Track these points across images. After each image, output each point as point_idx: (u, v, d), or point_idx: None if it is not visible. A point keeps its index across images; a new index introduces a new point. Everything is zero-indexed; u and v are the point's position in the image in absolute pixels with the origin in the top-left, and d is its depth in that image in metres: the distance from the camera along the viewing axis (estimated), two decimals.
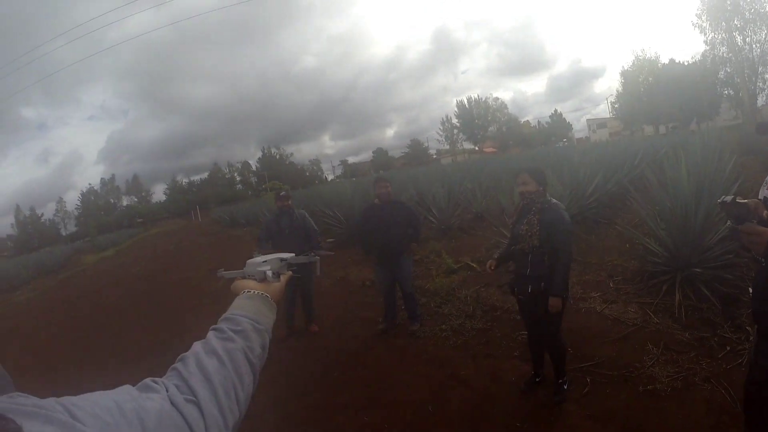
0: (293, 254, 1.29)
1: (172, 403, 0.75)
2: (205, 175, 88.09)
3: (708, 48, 44.02)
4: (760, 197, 2.12)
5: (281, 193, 6.24)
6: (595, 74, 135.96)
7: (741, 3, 40.32)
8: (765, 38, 40.21)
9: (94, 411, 0.63)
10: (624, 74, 55.18)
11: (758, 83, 41.50)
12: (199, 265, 14.29)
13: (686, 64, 47.78)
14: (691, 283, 4.84)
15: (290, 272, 1.25)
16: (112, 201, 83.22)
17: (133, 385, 0.78)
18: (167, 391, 0.78)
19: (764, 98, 42.41)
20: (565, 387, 3.73)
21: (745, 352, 3.70)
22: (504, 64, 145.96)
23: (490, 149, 69.93)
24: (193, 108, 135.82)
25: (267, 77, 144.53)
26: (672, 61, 50.03)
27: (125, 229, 54.51)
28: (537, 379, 3.92)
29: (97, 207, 79.29)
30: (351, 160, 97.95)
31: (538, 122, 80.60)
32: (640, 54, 54.02)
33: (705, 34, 43.37)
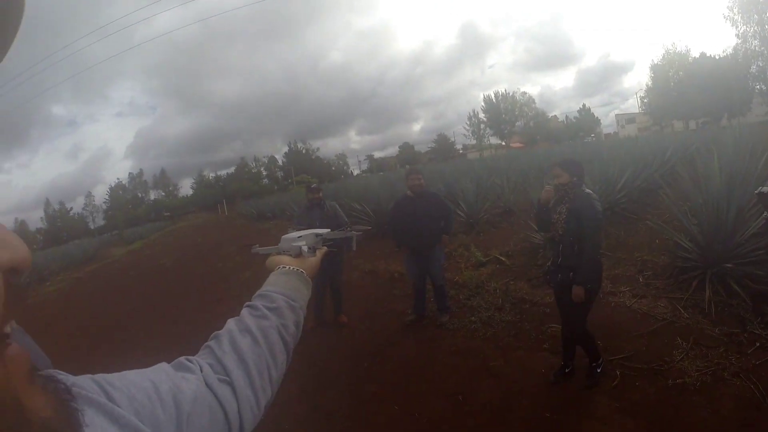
0: (329, 230, 1.27)
1: (206, 384, 0.75)
2: (232, 169, 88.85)
3: (740, 41, 43.01)
4: None
5: (312, 186, 6.28)
6: (624, 68, 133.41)
7: None
8: None
9: (130, 392, 0.63)
10: (654, 68, 54.26)
11: None
12: (227, 258, 14.45)
13: (717, 57, 46.75)
14: (722, 279, 4.81)
15: (325, 248, 1.22)
16: (139, 195, 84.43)
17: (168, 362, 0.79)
18: (201, 370, 0.78)
19: None
20: (599, 371, 3.80)
21: None
22: (532, 59, 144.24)
23: (517, 144, 69.33)
24: (220, 103, 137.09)
25: (294, 72, 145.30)
26: (703, 54, 49.03)
27: (152, 223, 55.38)
28: (566, 370, 3.96)
29: (125, 201, 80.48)
30: (377, 155, 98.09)
31: (566, 117, 79.44)
32: (671, 48, 53.07)
33: (737, 27, 42.35)
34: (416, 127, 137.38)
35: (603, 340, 4.22)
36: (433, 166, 23.99)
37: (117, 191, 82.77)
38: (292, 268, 1.08)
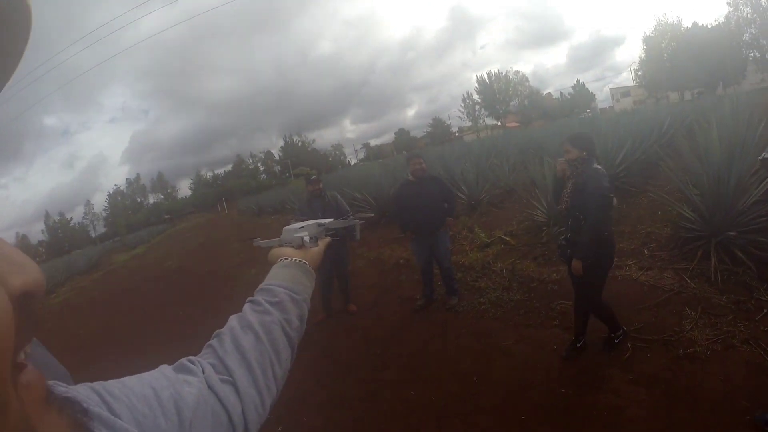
0: (331, 219, 1.24)
1: (209, 385, 0.74)
2: (229, 167, 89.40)
3: (731, 9, 42.92)
4: None
5: (312, 177, 6.19)
6: (616, 42, 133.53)
7: None
8: None
9: (130, 401, 0.61)
10: (646, 40, 54.09)
11: None
12: (231, 255, 14.49)
13: (710, 27, 46.58)
14: (726, 248, 4.84)
15: (328, 238, 1.20)
16: (138, 200, 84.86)
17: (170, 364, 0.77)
18: (203, 371, 0.76)
19: None
20: (616, 342, 3.86)
21: None
22: (523, 37, 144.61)
23: (513, 124, 69.14)
24: (213, 102, 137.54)
25: (284, 66, 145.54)
26: (695, 24, 48.86)
27: (153, 226, 55.49)
28: (578, 345, 4.01)
29: (125, 207, 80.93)
30: (373, 142, 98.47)
31: (561, 94, 79.33)
32: (662, 19, 52.86)
33: None
34: (411, 112, 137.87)
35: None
36: (431, 150, 23.92)
37: (116, 197, 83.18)
38: (294, 259, 1.06)
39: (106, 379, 0.64)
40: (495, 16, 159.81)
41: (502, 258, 6.89)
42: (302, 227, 1.14)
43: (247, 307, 0.93)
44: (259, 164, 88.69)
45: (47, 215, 79.54)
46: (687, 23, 51.39)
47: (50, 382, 0.53)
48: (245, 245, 15.23)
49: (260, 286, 0.98)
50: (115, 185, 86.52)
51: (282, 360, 0.87)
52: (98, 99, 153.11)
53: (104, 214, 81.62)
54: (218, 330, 0.87)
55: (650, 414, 3.07)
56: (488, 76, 74.47)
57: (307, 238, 1.11)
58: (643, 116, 14.99)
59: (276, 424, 3.90)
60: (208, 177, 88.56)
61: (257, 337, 0.85)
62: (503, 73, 75.13)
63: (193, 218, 57.28)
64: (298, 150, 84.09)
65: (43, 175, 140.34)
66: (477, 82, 75.21)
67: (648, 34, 54.01)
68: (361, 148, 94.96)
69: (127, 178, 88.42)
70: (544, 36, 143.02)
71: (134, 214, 78.18)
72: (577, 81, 75.64)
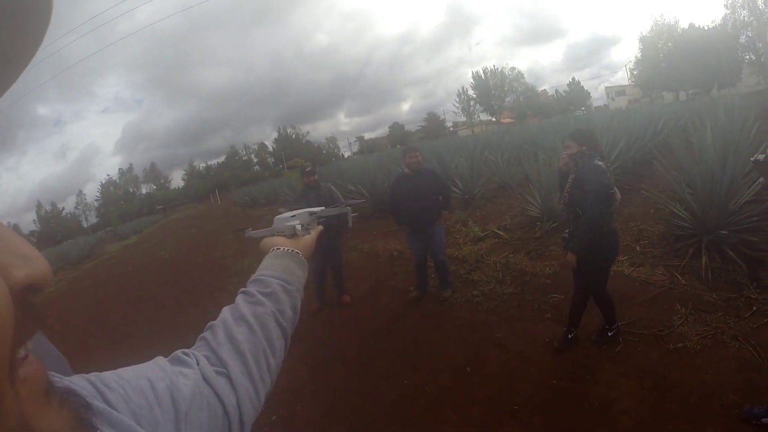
0: (322, 207, 1.22)
1: (204, 378, 0.73)
2: (222, 158, 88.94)
3: (728, 11, 43.04)
4: None
5: (307, 169, 6.16)
6: (612, 41, 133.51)
7: None
8: None
9: (126, 393, 0.61)
10: (643, 40, 54.24)
11: None
12: (224, 246, 14.46)
13: (706, 28, 46.70)
14: (717, 246, 4.90)
15: (320, 227, 1.18)
16: (131, 190, 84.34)
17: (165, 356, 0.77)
18: (198, 363, 0.76)
19: None
20: (609, 335, 3.92)
21: None
22: (519, 34, 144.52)
23: (508, 120, 69.34)
24: (207, 92, 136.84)
25: (280, 57, 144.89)
26: (692, 25, 48.95)
27: (146, 217, 55.32)
28: (570, 336, 4.07)
29: (117, 197, 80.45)
30: (367, 136, 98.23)
31: (556, 91, 79.53)
32: (659, 19, 53.00)
33: None
34: (405, 106, 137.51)
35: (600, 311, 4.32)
36: (426, 144, 23.96)
37: (108, 188, 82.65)
38: (286, 249, 1.04)
39: (98, 370, 0.64)
40: (492, 12, 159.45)
41: (496, 252, 6.94)
42: (294, 216, 1.12)
43: (239, 298, 0.92)
44: (252, 156, 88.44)
45: (39, 205, 79.02)
46: (684, 24, 51.70)
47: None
48: (238, 236, 15.20)
49: (253, 276, 0.98)
50: (108, 175, 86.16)
51: (276, 351, 0.87)
52: (91, 89, 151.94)
53: (96, 205, 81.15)
54: (211, 322, 0.87)
55: (641, 406, 3.12)
56: (484, 71, 74.60)
57: (299, 227, 1.09)
58: (638, 115, 15.07)
59: (270, 414, 3.93)
60: (201, 168, 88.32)
61: (251, 328, 0.85)
62: (499, 69, 75.29)
63: (185, 209, 57.05)
64: (292, 142, 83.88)
65: (36, 165, 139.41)
66: (473, 77, 75.37)
67: (645, 34, 54.23)
68: (355, 141, 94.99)
69: (119, 169, 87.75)
70: (540, 33, 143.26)
71: (127, 204, 77.81)
72: (573, 79, 75.85)
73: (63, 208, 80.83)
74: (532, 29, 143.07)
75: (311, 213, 1.16)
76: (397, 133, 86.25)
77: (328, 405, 4.03)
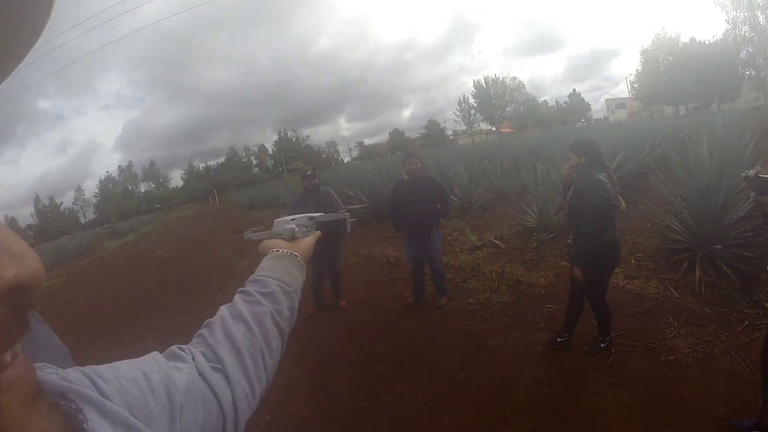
0: (321, 213, 1.24)
1: (199, 373, 0.73)
2: (222, 159, 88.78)
3: (730, 27, 42.92)
4: None
5: (308, 173, 6.21)
6: (614, 53, 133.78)
7: None
8: None
9: (120, 384, 0.61)
10: (644, 53, 54.22)
11: None
12: (223, 246, 14.46)
13: (707, 43, 46.80)
14: (711, 261, 4.95)
15: (319, 231, 1.20)
16: (130, 188, 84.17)
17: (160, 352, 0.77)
18: (194, 359, 0.76)
19: None
20: (602, 346, 3.96)
21: (762, 327, 3.82)
22: (521, 44, 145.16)
23: (508, 129, 69.31)
24: (209, 93, 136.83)
25: (282, 60, 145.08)
26: (693, 40, 49.02)
27: (144, 215, 55.28)
28: (559, 340, 4.18)
29: (116, 194, 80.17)
30: (367, 141, 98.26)
31: (556, 102, 79.53)
32: (661, 33, 53.05)
33: (727, 13, 42.29)
34: (406, 113, 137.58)
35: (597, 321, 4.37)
36: (425, 152, 24.03)
37: (107, 184, 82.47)
38: (285, 251, 1.06)
39: (93, 364, 0.63)
40: (495, 21, 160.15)
41: (492, 261, 6.99)
42: (293, 219, 1.14)
43: (238, 297, 0.93)
44: (252, 158, 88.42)
45: (37, 199, 78.79)
46: (685, 38, 51.76)
47: (39, 365, 0.54)
48: (236, 237, 15.15)
49: (251, 277, 0.98)
50: (107, 172, 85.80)
51: (272, 350, 0.87)
52: (93, 85, 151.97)
53: (95, 201, 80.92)
54: (209, 320, 0.88)
55: (631, 416, 3.16)
56: (485, 80, 74.49)
57: (298, 231, 1.11)
58: (637, 128, 15.13)
59: (264, 413, 3.96)
60: (200, 168, 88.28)
61: (248, 326, 0.85)
62: (500, 79, 75.23)
63: (184, 209, 56.98)
64: (292, 145, 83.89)
65: (35, 159, 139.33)
66: (474, 86, 75.30)
67: (646, 47, 54.24)
68: (355, 146, 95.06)
69: (119, 166, 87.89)
70: (542, 44, 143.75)
71: (125, 201, 77.69)
72: (573, 90, 75.94)
73: (61, 203, 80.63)
74: (534, 40, 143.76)
75: (310, 218, 1.18)
76: (397, 140, 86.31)
77: (323, 406, 4.07)
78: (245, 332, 0.84)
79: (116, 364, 0.66)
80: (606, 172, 3.75)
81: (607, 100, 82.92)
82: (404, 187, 5.72)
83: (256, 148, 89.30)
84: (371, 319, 5.88)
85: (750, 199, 4.94)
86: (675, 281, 5.00)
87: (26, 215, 78.74)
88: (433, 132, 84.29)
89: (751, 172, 2.08)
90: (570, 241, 4.05)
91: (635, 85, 57.37)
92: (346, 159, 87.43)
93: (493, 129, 73.45)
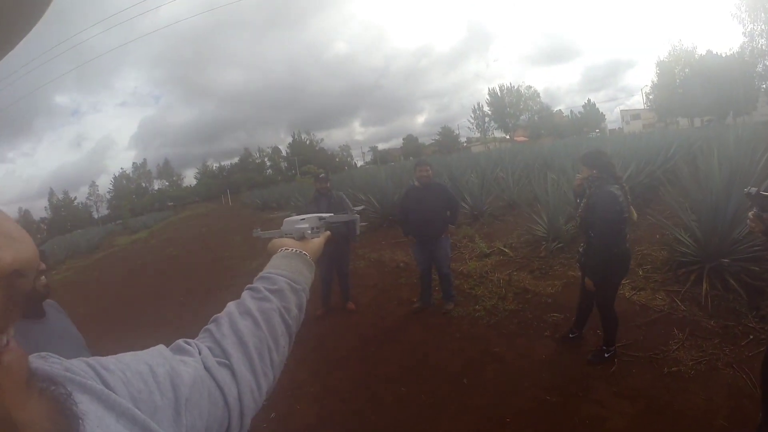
0: (332, 213, 1.24)
1: (205, 367, 0.73)
2: (236, 159, 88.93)
3: (746, 40, 42.66)
4: None
5: (321, 175, 6.30)
6: (630, 64, 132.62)
7: None
8: None
9: (125, 376, 0.61)
10: (660, 65, 53.88)
11: None
12: (233, 246, 14.57)
13: (724, 56, 46.43)
14: (719, 274, 4.95)
15: (329, 232, 1.20)
16: (143, 185, 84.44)
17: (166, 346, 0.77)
18: (200, 353, 0.76)
19: None
20: (606, 356, 3.99)
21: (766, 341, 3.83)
22: (537, 53, 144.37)
23: (522, 138, 69.04)
24: (225, 93, 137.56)
25: (298, 62, 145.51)
26: (709, 52, 48.63)
27: (157, 212, 55.55)
28: (571, 336, 4.37)
29: (129, 191, 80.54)
30: (381, 146, 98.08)
31: (571, 112, 78.73)
32: (677, 44, 52.75)
33: (744, 26, 42.04)
34: (420, 119, 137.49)
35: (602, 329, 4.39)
36: (438, 159, 24.07)
37: (121, 181, 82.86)
38: (294, 250, 1.06)
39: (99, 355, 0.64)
40: (511, 30, 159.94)
41: (500, 269, 7.02)
42: (303, 219, 1.15)
43: (246, 293, 0.93)
44: (266, 159, 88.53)
45: (51, 193, 79.40)
46: (702, 50, 51.23)
47: (44, 354, 0.56)
48: (247, 238, 15.27)
49: (260, 274, 0.98)
50: (121, 168, 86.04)
51: (280, 347, 0.87)
52: (111, 82, 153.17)
53: (108, 197, 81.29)
54: (216, 315, 0.88)
55: (631, 426, 3.18)
56: (500, 88, 74.45)
57: (308, 230, 1.12)
58: (650, 140, 15.10)
59: (269, 411, 4.03)
60: (214, 168, 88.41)
61: (255, 322, 0.85)
62: (515, 87, 75.10)
63: (196, 207, 57.29)
64: (306, 148, 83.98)
65: (51, 153, 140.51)
66: (488, 93, 75.18)
67: (662, 59, 53.94)
68: (369, 151, 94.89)
69: (133, 163, 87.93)
70: (558, 53, 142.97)
71: (138, 198, 78.04)
72: (588, 100, 75.31)
73: (75, 198, 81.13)
74: (550, 49, 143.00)
75: (320, 218, 1.18)
76: (411, 146, 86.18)
77: (327, 406, 4.13)
78: (252, 328, 0.84)
79: (122, 356, 0.66)
80: (618, 183, 3.77)
81: (622, 110, 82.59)
82: (414, 194, 5.77)
83: (270, 150, 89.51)
84: (378, 322, 5.93)
85: (753, 213, 4.97)
86: (681, 294, 5.00)
87: (40, 208, 79.81)
88: (447, 139, 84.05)
89: (753, 189, 2.14)
90: (581, 250, 4.11)
91: (650, 97, 57.00)
92: (360, 163, 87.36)
93: (507, 137, 73.25)
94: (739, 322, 4.27)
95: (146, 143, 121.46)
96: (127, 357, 0.66)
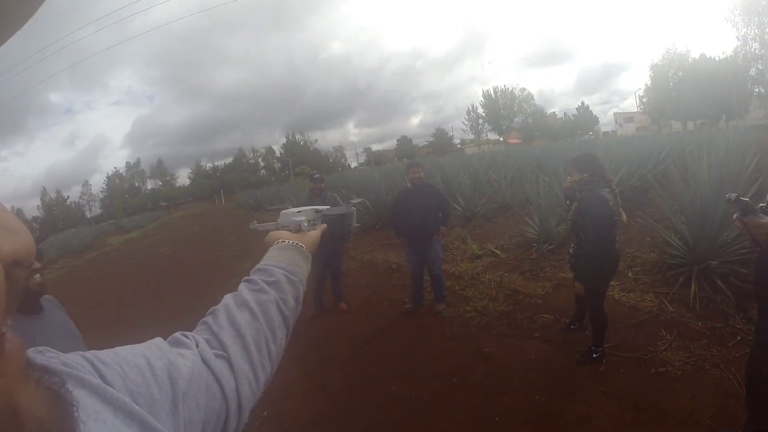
0: (328, 206, 1.25)
1: (203, 359, 0.73)
2: (230, 160, 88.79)
3: (740, 44, 43.09)
4: None
5: (315, 175, 6.31)
6: (624, 67, 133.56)
7: None
8: None
9: (123, 370, 0.60)
10: (653, 68, 54.32)
11: None
12: (227, 246, 14.58)
13: (717, 59, 46.77)
14: (707, 276, 5.00)
15: (325, 225, 1.21)
16: (137, 184, 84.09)
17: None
18: (197, 346, 0.76)
19: None
20: (594, 356, 4.03)
21: None
22: (532, 55, 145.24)
23: (515, 140, 69.42)
24: (219, 94, 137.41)
25: (293, 63, 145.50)
26: (703, 56, 49.04)
27: (150, 212, 55.44)
28: (572, 327, 4.56)
29: (122, 190, 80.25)
30: (375, 147, 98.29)
31: (565, 114, 79.23)
32: (671, 48, 53.12)
33: (737, 30, 42.47)
34: (415, 120, 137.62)
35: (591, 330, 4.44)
36: (431, 160, 24.13)
37: (114, 180, 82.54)
38: (291, 242, 1.06)
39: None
40: (506, 32, 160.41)
41: (491, 270, 7.06)
42: (300, 211, 1.16)
43: (243, 285, 0.93)
44: (259, 159, 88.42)
45: (44, 191, 79.06)
46: (695, 54, 51.63)
47: (41, 348, 0.56)
48: (240, 237, 15.32)
49: (257, 266, 0.99)
50: (115, 168, 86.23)
51: (277, 338, 0.87)
52: (105, 81, 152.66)
53: (101, 196, 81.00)
54: (213, 307, 0.88)
55: (617, 425, 3.22)
56: (494, 90, 74.88)
57: (304, 222, 1.12)
58: (642, 143, 15.18)
59: (261, 410, 4.05)
60: (207, 168, 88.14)
61: (253, 314, 0.85)
62: (509, 90, 75.47)
63: (189, 207, 57.20)
64: (300, 149, 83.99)
65: (44, 152, 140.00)
66: (483, 96, 75.79)
67: (656, 62, 54.32)
68: (363, 152, 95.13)
69: (126, 162, 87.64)
70: (552, 56, 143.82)
71: (131, 198, 77.77)
72: (582, 103, 75.80)
73: (68, 197, 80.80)
74: (544, 52, 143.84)
75: (317, 210, 1.21)
76: (405, 147, 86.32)
77: (319, 405, 4.15)
78: (250, 320, 0.84)
79: (118, 349, 0.65)
80: (609, 186, 3.80)
81: (615, 113, 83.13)
82: (406, 195, 5.80)
83: (263, 150, 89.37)
84: (369, 323, 5.95)
85: (735, 217, 5.04)
86: (670, 295, 5.05)
87: (32, 207, 79.07)
88: (441, 140, 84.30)
89: (733, 195, 2.20)
90: (572, 251, 4.15)
91: (644, 100, 57.47)
92: (353, 164, 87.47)
93: (501, 139, 73.56)
94: (727, 324, 4.32)
95: (140, 143, 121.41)
96: (125, 350, 0.65)
